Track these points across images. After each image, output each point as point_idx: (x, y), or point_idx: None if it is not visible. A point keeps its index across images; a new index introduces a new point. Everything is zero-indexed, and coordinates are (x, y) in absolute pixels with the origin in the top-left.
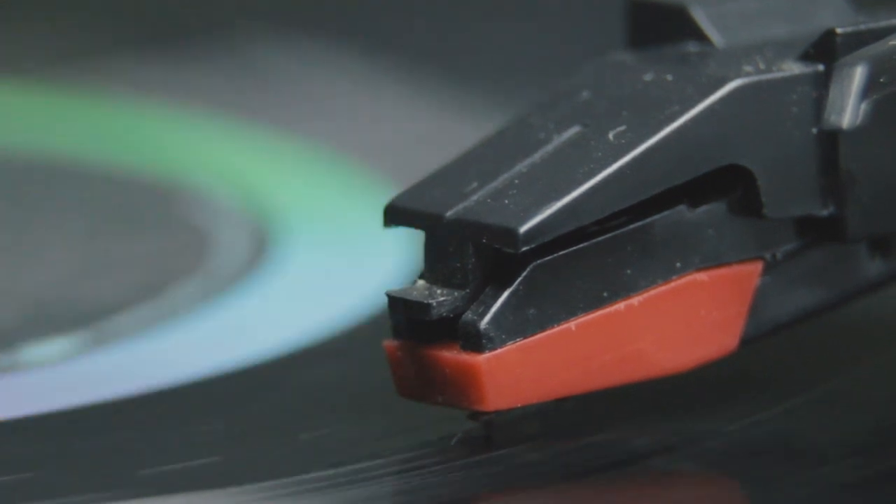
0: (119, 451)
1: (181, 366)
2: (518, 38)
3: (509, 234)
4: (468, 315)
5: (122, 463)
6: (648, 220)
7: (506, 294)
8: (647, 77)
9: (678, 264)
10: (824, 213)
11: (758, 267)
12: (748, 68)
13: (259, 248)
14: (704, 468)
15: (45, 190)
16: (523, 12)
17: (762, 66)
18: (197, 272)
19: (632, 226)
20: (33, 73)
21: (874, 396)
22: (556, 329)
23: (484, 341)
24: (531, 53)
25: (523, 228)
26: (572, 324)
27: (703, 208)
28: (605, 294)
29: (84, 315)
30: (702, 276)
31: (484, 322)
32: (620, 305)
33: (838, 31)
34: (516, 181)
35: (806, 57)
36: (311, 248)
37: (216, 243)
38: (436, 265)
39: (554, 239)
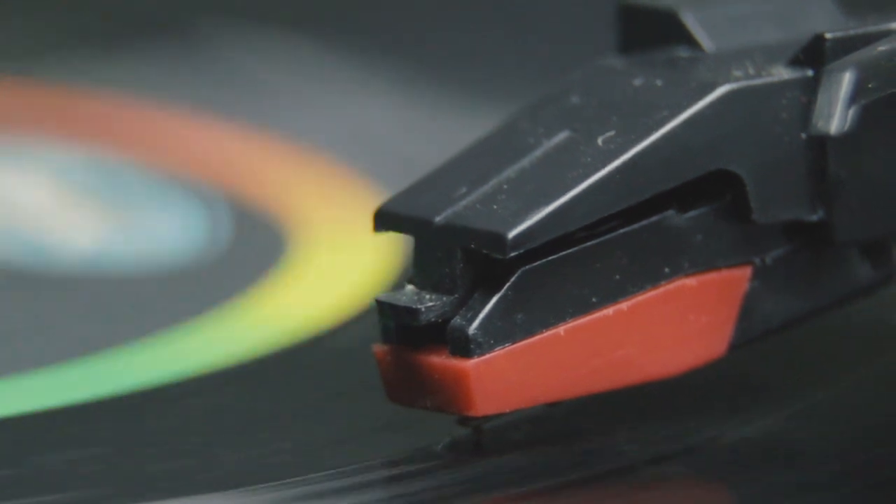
0: (118, 450)
1: (171, 366)
2: (508, 41)
3: (497, 240)
4: (457, 320)
5: (121, 462)
6: (637, 225)
7: (494, 299)
8: (637, 82)
9: (667, 269)
10: (813, 217)
11: (747, 272)
12: (737, 73)
13: (240, 248)
14: (694, 475)
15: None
16: (513, 15)
17: (751, 71)
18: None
19: (620, 231)
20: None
21: (869, 402)
22: (545, 334)
23: (472, 347)
24: (521, 57)
25: (511, 234)
26: (561, 329)
27: (691, 213)
28: (593, 299)
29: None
30: (691, 282)
31: (472, 327)
32: (609, 311)
33: (827, 36)
34: (505, 186)
35: (795, 62)
36: (304, 250)
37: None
38: (425, 270)
39: (542, 244)
